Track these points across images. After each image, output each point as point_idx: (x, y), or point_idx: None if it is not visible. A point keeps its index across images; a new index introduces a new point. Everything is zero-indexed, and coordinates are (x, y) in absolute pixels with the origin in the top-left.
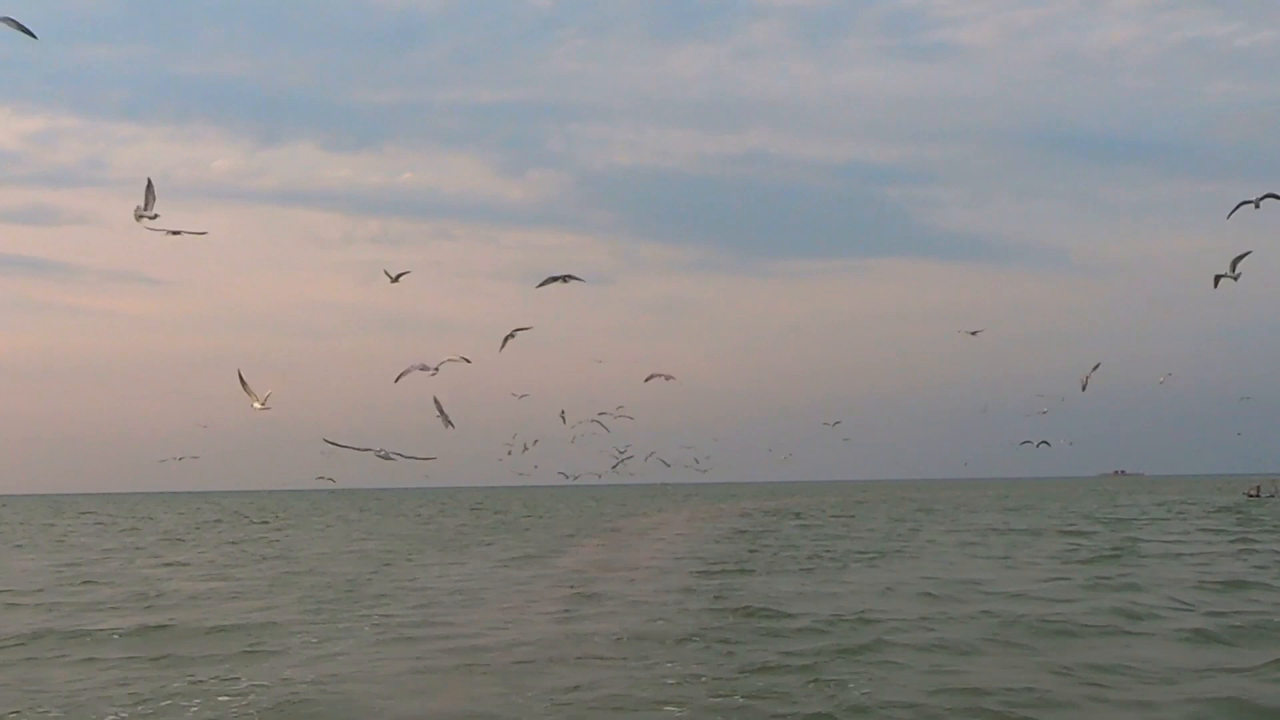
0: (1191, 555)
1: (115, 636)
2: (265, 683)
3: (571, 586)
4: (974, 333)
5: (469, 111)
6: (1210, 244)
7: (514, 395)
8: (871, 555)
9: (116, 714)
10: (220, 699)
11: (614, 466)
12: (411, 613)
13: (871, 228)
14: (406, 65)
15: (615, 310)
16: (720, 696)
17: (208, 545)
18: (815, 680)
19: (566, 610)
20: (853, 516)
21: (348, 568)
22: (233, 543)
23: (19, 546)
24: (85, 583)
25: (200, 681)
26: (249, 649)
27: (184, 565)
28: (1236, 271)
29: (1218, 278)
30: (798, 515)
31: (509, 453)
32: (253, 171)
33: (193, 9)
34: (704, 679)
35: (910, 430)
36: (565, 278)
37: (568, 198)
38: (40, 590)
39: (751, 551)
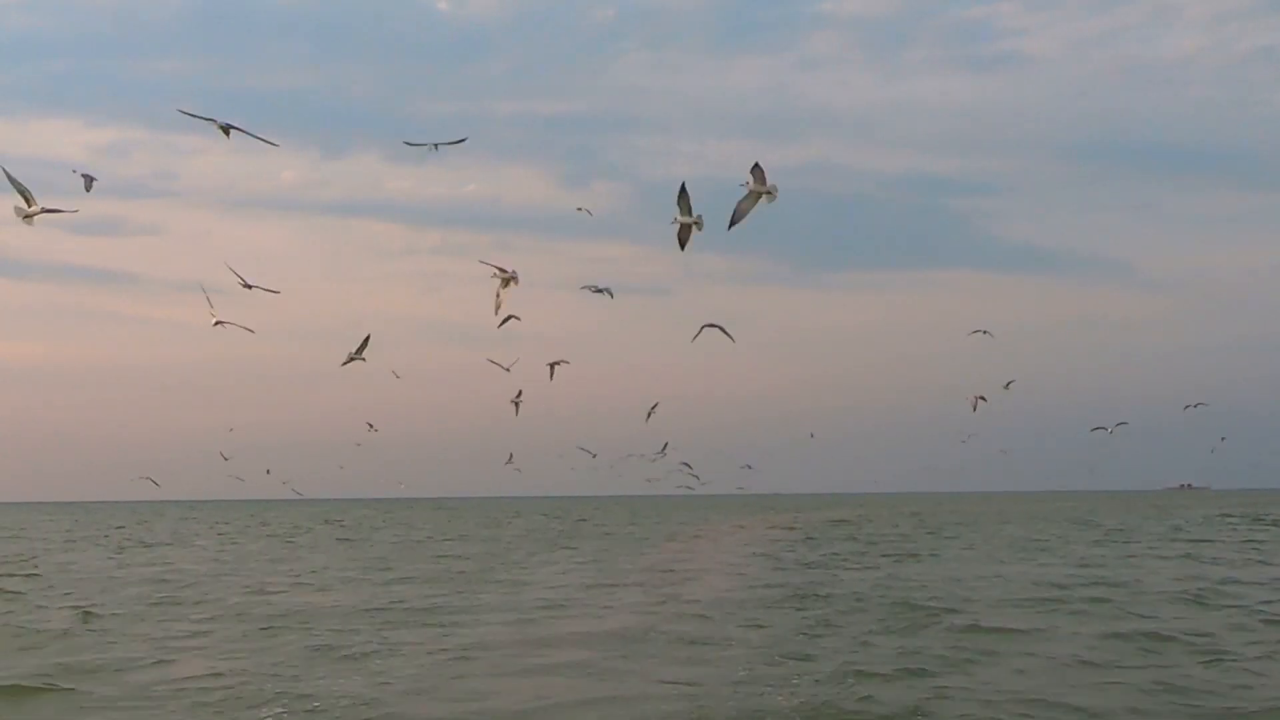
0: None
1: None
2: None
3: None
4: (984, 332)
5: (530, 123)
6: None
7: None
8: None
9: None
10: None
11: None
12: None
13: (932, 239)
14: (469, 77)
15: (673, 322)
16: None
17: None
18: None
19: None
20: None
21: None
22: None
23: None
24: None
25: None
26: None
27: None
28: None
29: None
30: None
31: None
32: (317, 183)
33: (259, 23)
34: None
35: (971, 443)
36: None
37: (628, 209)
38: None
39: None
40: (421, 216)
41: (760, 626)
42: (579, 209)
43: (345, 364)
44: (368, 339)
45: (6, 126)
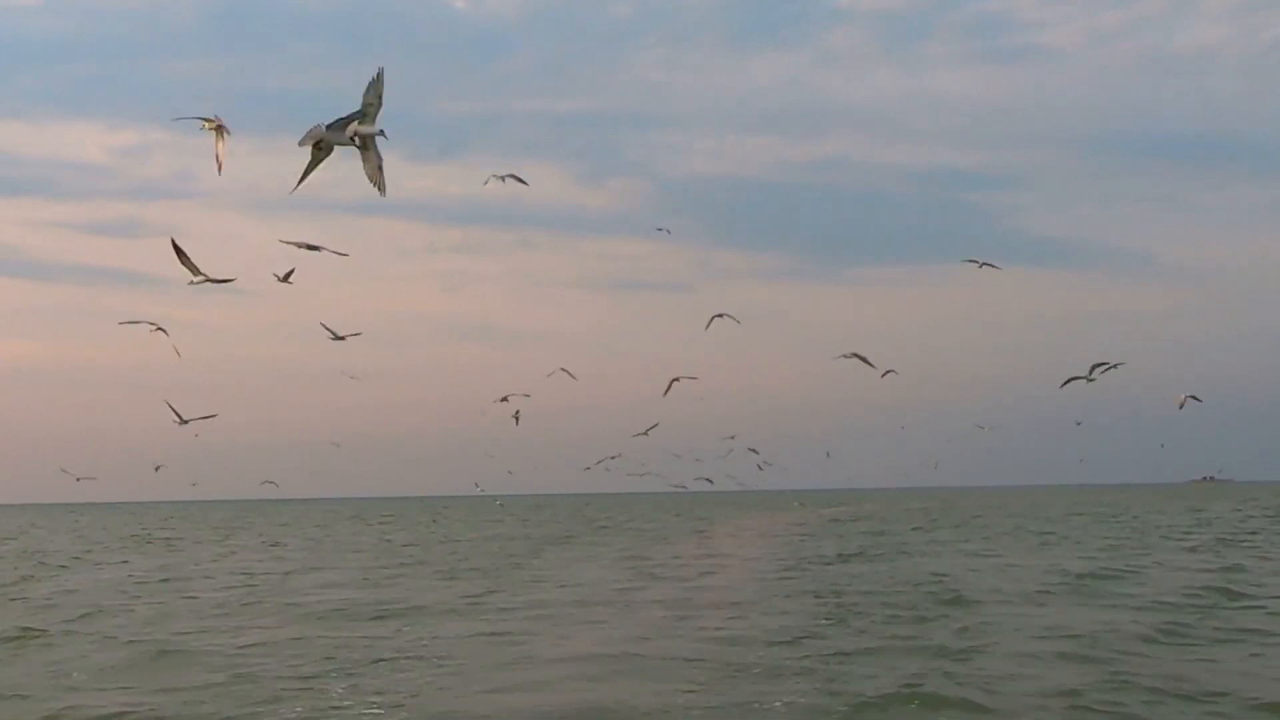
0: None
1: None
2: None
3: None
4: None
5: (549, 121)
6: None
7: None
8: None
9: None
10: None
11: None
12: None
13: (953, 233)
14: (487, 76)
15: (693, 318)
16: None
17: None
18: None
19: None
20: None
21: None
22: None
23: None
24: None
25: None
26: None
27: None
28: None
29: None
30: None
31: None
32: (337, 182)
33: (277, 23)
34: None
35: (988, 437)
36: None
37: (647, 206)
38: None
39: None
40: (441, 215)
41: (783, 613)
42: (659, 229)
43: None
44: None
45: (28, 129)
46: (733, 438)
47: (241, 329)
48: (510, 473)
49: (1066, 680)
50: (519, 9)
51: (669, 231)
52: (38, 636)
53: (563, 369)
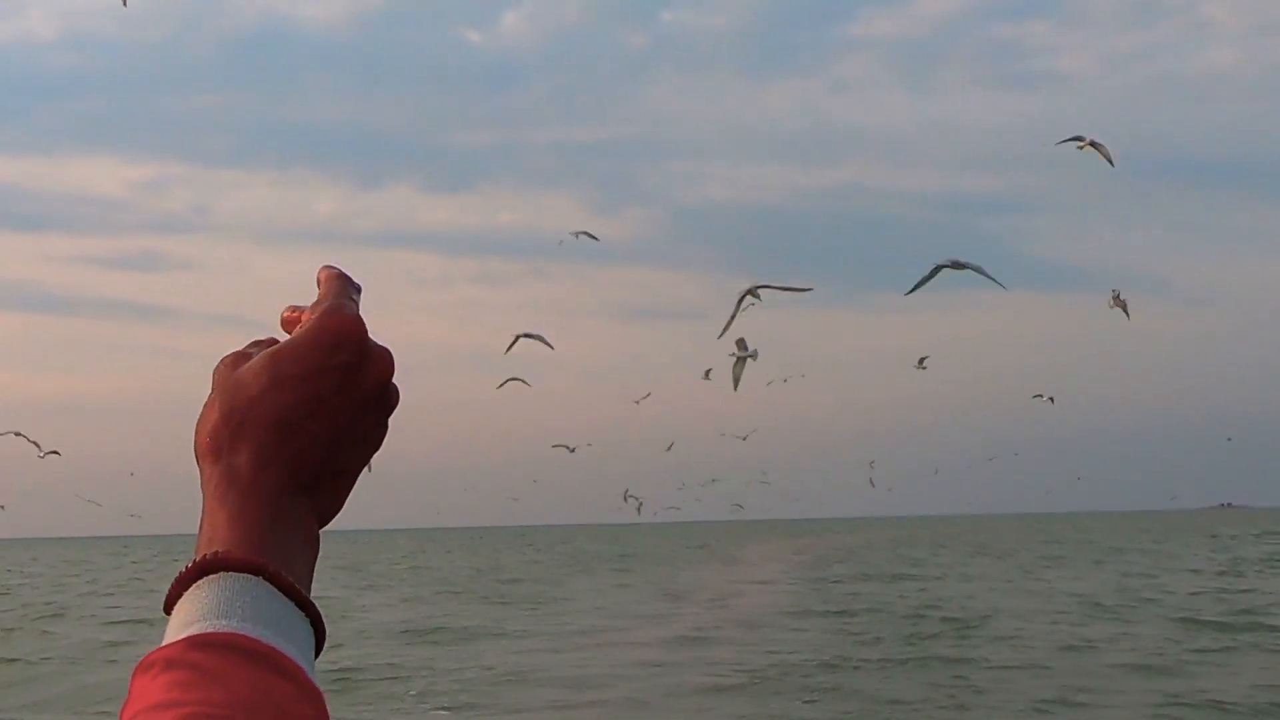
0: None
1: None
2: None
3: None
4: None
5: (564, 151)
6: None
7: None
8: None
9: None
10: None
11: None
12: None
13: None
14: (502, 107)
15: (710, 347)
16: None
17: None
18: None
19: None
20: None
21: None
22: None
23: None
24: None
25: None
26: None
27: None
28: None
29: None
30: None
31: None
32: (353, 214)
33: (294, 57)
34: None
35: (1007, 462)
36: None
37: (663, 235)
38: None
39: None
40: (457, 246)
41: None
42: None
43: None
44: None
45: (46, 164)
46: (765, 475)
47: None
48: (515, 499)
49: None
50: (534, 40)
51: (595, 237)
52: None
53: (515, 379)
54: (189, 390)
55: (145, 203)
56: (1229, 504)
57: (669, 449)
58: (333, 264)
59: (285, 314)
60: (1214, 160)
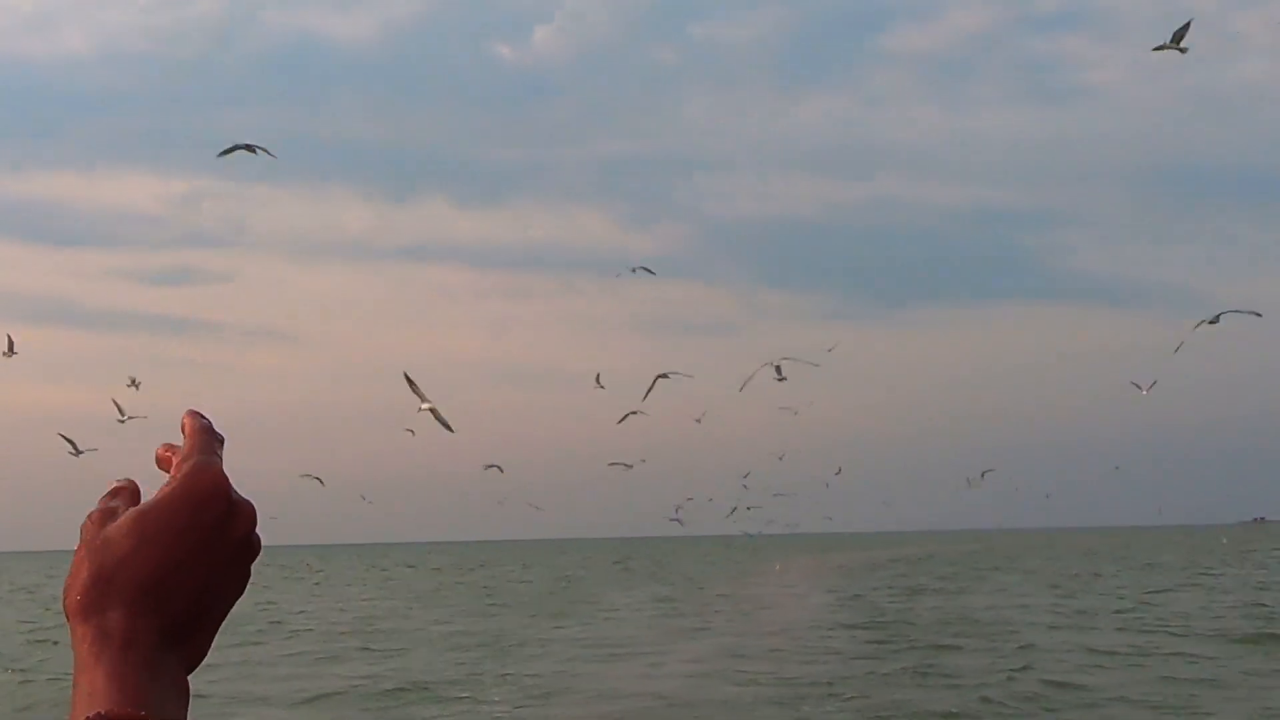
0: None
1: None
2: None
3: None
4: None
5: (596, 165)
6: None
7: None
8: None
9: None
10: None
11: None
12: None
13: (1003, 273)
14: (534, 121)
15: (742, 360)
16: None
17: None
18: None
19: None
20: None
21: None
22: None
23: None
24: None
25: None
26: None
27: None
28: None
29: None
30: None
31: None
32: (385, 229)
33: (327, 72)
34: None
35: (1040, 478)
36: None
37: (694, 249)
38: None
39: None
40: (489, 260)
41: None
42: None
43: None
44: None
45: (80, 180)
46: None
47: (290, 373)
48: (538, 508)
49: None
50: (565, 55)
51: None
52: None
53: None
54: (223, 403)
55: (179, 218)
56: (1261, 518)
57: (746, 476)
58: (198, 410)
59: (159, 451)
60: (1250, 171)
